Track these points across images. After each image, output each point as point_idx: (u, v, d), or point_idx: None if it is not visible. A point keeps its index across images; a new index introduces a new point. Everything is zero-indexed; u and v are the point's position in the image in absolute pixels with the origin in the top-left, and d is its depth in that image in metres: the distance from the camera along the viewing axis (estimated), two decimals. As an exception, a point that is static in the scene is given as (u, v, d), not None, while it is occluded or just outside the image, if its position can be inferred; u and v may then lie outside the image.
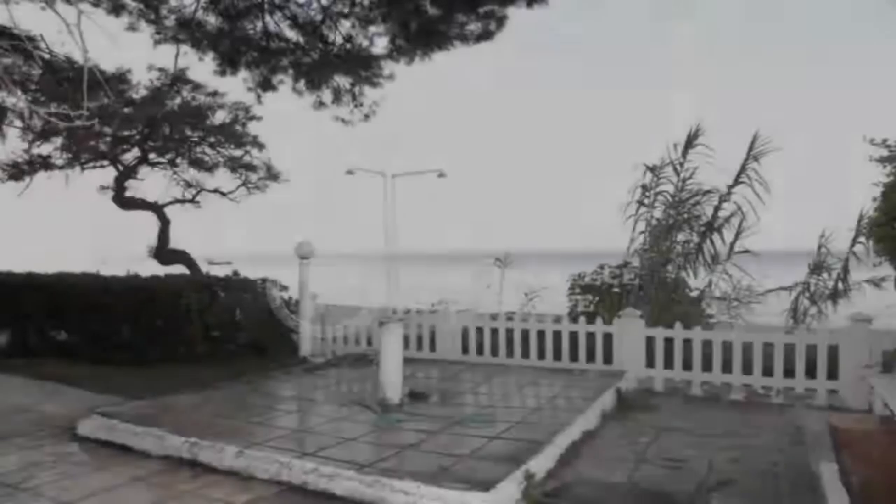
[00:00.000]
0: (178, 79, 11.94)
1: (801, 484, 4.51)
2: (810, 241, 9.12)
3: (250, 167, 13.29)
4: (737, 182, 9.25)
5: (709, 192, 9.40)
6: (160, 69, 11.77)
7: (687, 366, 7.56)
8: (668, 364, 7.64)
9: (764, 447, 5.38)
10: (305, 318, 9.62)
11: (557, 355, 8.28)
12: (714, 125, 9.56)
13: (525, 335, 8.53)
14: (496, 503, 3.92)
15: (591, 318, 8.37)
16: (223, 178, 13.45)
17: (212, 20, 9.41)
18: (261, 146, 13.07)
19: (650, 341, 7.77)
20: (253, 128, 12.88)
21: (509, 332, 8.67)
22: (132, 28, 9.29)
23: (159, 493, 4.37)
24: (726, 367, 7.36)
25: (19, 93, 9.09)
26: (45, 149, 12.15)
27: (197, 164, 13.11)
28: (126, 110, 11.27)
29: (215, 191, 13.58)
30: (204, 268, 13.11)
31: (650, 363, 7.76)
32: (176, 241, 13.30)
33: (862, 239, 8.62)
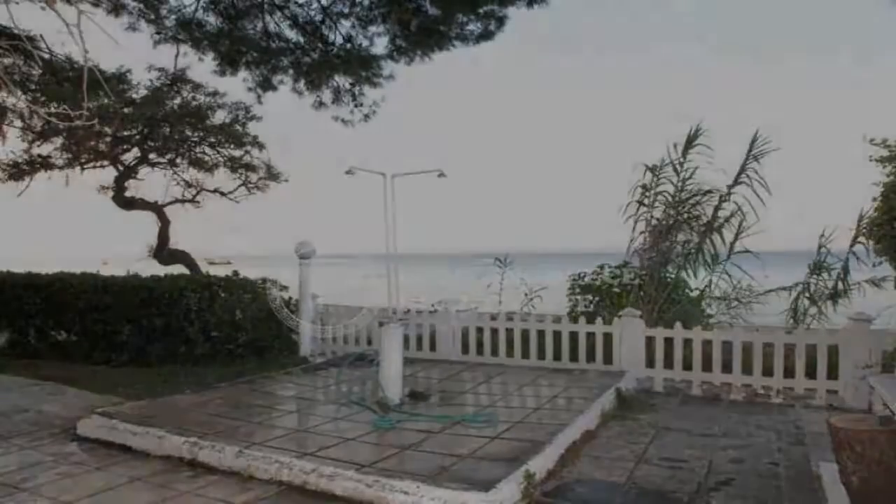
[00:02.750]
0: (178, 79, 11.95)
1: (800, 484, 4.51)
2: (810, 241, 9.12)
3: (250, 167, 13.30)
4: (737, 182, 9.24)
5: (709, 192, 9.39)
6: (160, 69, 11.78)
7: (687, 366, 7.56)
8: (668, 364, 7.64)
9: (764, 447, 5.39)
10: (305, 318, 9.62)
11: (557, 355, 8.28)
12: (714, 125, 9.57)
13: (525, 335, 8.53)
14: (496, 503, 3.92)
15: (591, 318, 8.37)
16: (223, 178, 13.47)
17: (212, 20, 9.41)
18: (261, 146, 13.07)
19: (650, 341, 7.77)
20: (253, 128, 12.90)
21: (509, 332, 8.67)
22: (132, 28, 9.28)
23: (159, 493, 4.37)
24: (726, 367, 7.36)
25: (19, 93, 9.08)
26: (45, 149, 12.17)
27: (197, 164, 13.11)
28: (126, 110, 11.26)
29: (215, 191, 13.58)
30: (204, 268, 13.11)
31: (650, 363, 7.76)
32: (176, 241, 13.32)
33: (862, 239, 8.62)
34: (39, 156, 12.19)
